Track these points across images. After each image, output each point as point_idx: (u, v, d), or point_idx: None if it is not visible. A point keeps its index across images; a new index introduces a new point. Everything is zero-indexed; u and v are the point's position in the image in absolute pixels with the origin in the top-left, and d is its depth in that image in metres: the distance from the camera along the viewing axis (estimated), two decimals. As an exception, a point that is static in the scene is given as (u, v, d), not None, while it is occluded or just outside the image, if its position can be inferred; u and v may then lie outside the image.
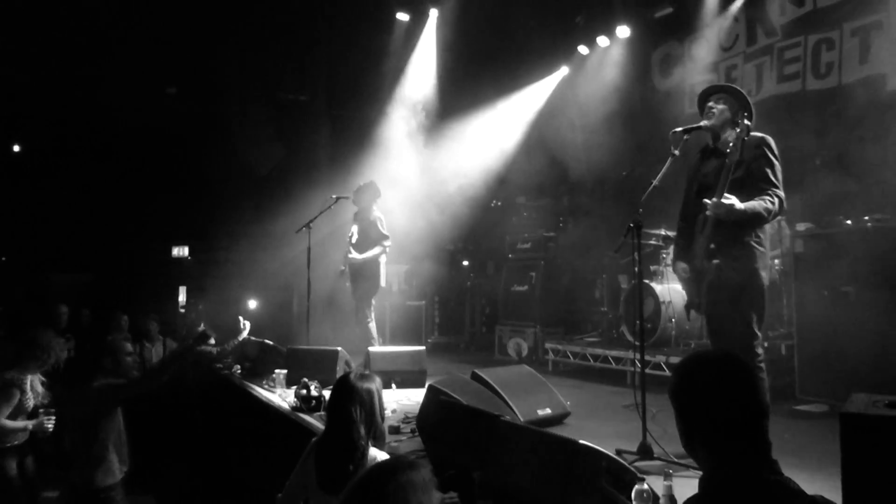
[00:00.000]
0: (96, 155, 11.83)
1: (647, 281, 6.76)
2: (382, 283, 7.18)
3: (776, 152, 3.87)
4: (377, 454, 2.85)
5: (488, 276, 10.10)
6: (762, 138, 3.89)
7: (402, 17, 10.09)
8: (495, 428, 3.16)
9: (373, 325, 7.09)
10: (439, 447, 3.58)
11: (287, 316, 9.27)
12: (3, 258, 13.21)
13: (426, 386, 4.39)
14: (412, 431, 4.44)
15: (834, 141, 6.66)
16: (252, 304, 10.12)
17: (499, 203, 10.72)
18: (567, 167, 9.68)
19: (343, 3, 10.11)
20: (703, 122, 4.06)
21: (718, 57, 8.10)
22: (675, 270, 4.34)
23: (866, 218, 5.25)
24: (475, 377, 4.84)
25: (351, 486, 1.77)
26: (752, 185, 3.79)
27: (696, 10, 8.10)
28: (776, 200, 3.74)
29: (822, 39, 6.95)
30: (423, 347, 6.94)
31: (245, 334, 7.49)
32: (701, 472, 1.69)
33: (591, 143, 9.05)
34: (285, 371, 6.12)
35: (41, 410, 4.54)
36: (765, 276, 3.85)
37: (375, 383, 3.04)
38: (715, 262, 3.78)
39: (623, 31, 8.96)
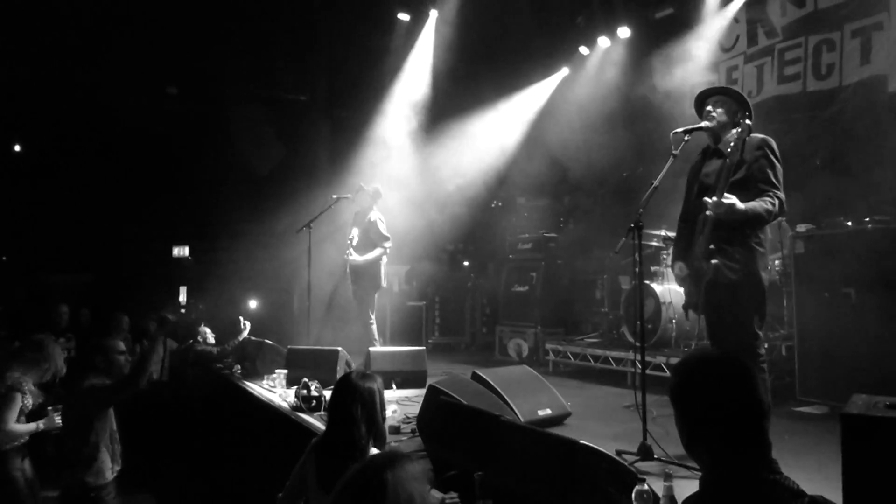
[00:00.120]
0: (97, 155, 11.81)
1: (647, 282, 6.77)
2: (384, 283, 7.18)
3: (777, 154, 3.87)
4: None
5: (489, 276, 10.10)
6: (763, 139, 3.89)
7: (403, 17, 10.09)
8: (496, 428, 3.16)
9: (373, 326, 7.09)
10: (440, 447, 3.58)
11: (287, 316, 9.27)
12: (4, 258, 13.20)
13: (427, 386, 4.39)
14: (413, 432, 4.44)
15: (834, 142, 6.66)
16: (252, 304, 10.12)
17: (499, 203, 10.72)
18: (567, 167, 9.68)
19: (343, 4, 10.11)
20: (704, 123, 4.06)
21: (719, 58, 8.10)
22: (673, 271, 4.34)
23: (867, 219, 5.25)
24: (475, 377, 4.84)
25: (346, 479, 1.77)
26: (752, 186, 3.79)
27: (697, 11, 8.10)
28: (777, 202, 3.74)
29: (822, 40, 6.95)
30: (423, 348, 6.94)
31: (245, 334, 7.51)
32: (701, 473, 1.69)
33: (592, 144, 9.04)
34: (285, 371, 6.12)
35: (49, 408, 4.53)
36: (764, 276, 3.85)
37: (377, 383, 3.04)
38: (714, 262, 3.78)
39: (623, 32, 8.97)
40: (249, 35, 10.69)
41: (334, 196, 7.34)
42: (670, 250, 6.62)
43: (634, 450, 3.76)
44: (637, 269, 4.33)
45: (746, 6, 7.74)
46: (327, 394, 4.44)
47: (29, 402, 4.53)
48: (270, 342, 7.18)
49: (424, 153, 10.05)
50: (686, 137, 4.04)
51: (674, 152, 4.01)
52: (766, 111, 7.22)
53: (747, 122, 3.83)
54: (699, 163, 4.19)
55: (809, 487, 1.57)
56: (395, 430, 4.52)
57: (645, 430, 3.81)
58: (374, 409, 2.96)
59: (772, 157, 3.85)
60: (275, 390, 5.87)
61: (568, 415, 4.92)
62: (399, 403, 5.42)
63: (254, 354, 7.02)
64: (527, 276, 8.89)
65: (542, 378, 5.23)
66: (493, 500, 2.75)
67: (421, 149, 10.02)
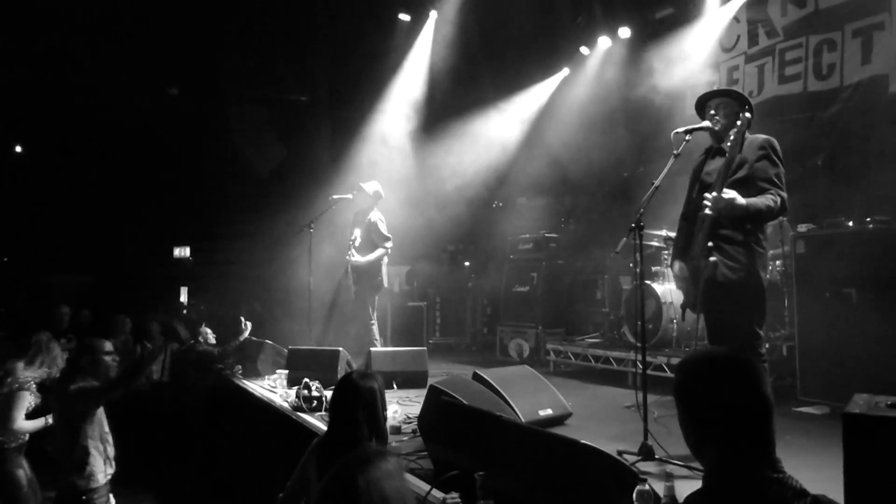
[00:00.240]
0: (98, 156, 11.83)
1: (648, 282, 6.76)
2: (385, 283, 7.18)
3: (780, 154, 3.87)
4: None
5: (489, 276, 10.09)
6: (766, 139, 3.89)
7: (404, 17, 10.10)
8: (497, 428, 3.16)
9: (374, 326, 7.09)
10: (441, 448, 3.58)
11: (288, 316, 9.26)
12: (5, 259, 13.21)
13: (427, 386, 4.39)
14: (413, 432, 4.44)
15: (835, 142, 6.66)
16: (253, 304, 10.12)
17: (500, 203, 10.73)
18: (568, 167, 9.68)
19: (344, 4, 10.11)
20: (706, 123, 4.06)
21: (719, 58, 8.10)
22: (672, 270, 4.34)
23: (868, 219, 5.24)
24: (476, 378, 4.84)
25: (322, 484, 1.78)
26: (753, 185, 3.79)
27: (697, 11, 8.10)
28: (779, 199, 3.73)
29: (823, 40, 6.95)
30: (424, 348, 6.95)
31: (246, 334, 7.51)
32: (703, 473, 1.69)
33: (592, 144, 9.04)
34: (286, 371, 6.12)
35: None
36: (764, 276, 3.85)
37: (378, 383, 3.04)
38: (712, 259, 3.78)
39: (624, 32, 8.97)
40: (250, 36, 10.71)
41: (334, 196, 7.34)
42: (671, 250, 6.62)
43: (636, 450, 3.76)
44: (638, 270, 4.33)
45: (747, 6, 7.74)
46: (328, 394, 4.45)
47: (33, 401, 4.55)
48: (271, 342, 7.18)
49: (425, 153, 10.05)
50: (687, 137, 4.04)
51: (675, 152, 4.01)
52: (767, 111, 7.21)
53: (747, 115, 3.83)
54: (701, 162, 4.19)
55: (811, 487, 1.56)
56: (397, 431, 4.52)
57: (646, 431, 3.81)
58: (375, 409, 2.96)
59: (774, 157, 3.84)
60: (276, 390, 5.87)
61: (569, 415, 4.92)
62: (400, 403, 5.43)
63: (255, 355, 7.02)
64: (527, 277, 8.88)
65: (542, 378, 5.23)
66: (494, 501, 2.75)
67: (421, 149, 10.03)
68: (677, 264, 4.19)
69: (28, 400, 4.47)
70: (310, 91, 11.61)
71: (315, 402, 5.11)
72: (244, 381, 6.64)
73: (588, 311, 8.85)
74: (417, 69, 10.20)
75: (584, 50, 9.68)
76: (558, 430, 4.43)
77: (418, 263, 10.44)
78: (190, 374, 8.12)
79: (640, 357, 4.05)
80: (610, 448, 3.07)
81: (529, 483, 2.80)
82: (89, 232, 12.30)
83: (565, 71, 10.13)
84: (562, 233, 9.46)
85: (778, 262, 6.09)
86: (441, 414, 3.73)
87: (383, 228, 7.02)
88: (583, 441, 2.72)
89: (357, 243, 6.95)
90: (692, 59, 8.08)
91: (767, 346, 5.01)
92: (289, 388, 5.73)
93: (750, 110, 3.95)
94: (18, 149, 12.68)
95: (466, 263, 11.13)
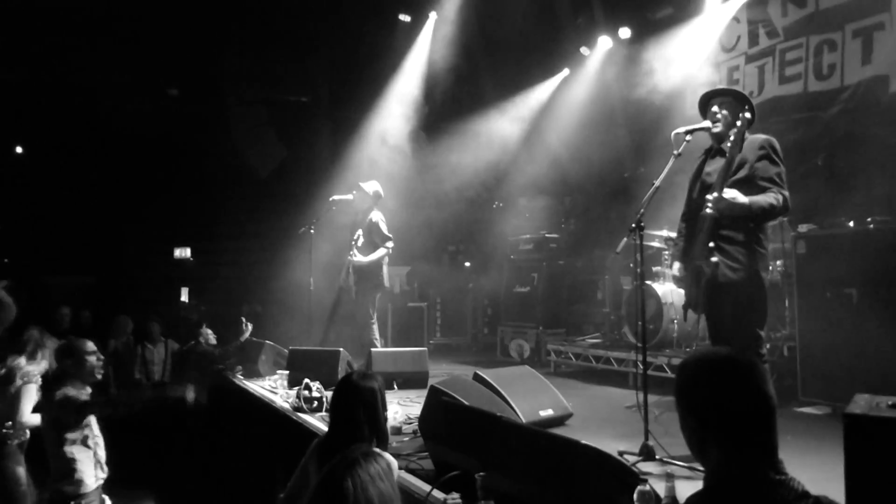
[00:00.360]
0: (98, 157, 11.83)
1: (649, 282, 6.76)
2: (386, 283, 7.18)
3: (780, 153, 3.87)
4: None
5: (490, 277, 10.10)
6: (766, 139, 3.89)
7: (404, 18, 10.10)
8: (497, 429, 3.16)
9: (375, 327, 7.08)
10: (441, 448, 3.58)
11: (289, 317, 9.26)
12: (5, 260, 13.20)
13: (428, 387, 4.39)
14: (414, 432, 4.44)
15: (835, 142, 6.66)
16: (254, 305, 10.12)
17: (500, 204, 10.72)
18: (568, 168, 9.69)
19: (344, 5, 10.11)
20: (707, 123, 4.06)
21: (720, 58, 8.10)
22: (672, 271, 4.34)
23: (868, 219, 5.24)
24: (477, 378, 4.84)
25: (315, 485, 1.79)
26: (754, 184, 3.79)
27: (697, 11, 8.10)
28: (781, 198, 3.73)
29: (823, 41, 6.94)
30: (424, 349, 6.95)
31: (247, 335, 7.51)
32: (704, 474, 1.69)
33: (593, 144, 9.04)
34: (287, 372, 6.12)
35: None
36: (765, 276, 3.85)
37: (378, 383, 3.04)
38: (713, 259, 3.78)
39: (624, 32, 8.97)
40: (250, 37, 10.71)
41: (334, 197, 7.33)
42: (671, 250, 6.62)
43: (636, 450, 3.76)
44: (638, 270, 4.33)
45: (747, 6, 7.74)
46: (329, 394, 4.44)
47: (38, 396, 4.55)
48: (272, 343, 7.18)
49: (425, 153, 10.06)
50: (687, 138, 4.04)
51: (675, 152, 4.01)
52: (768, 111, 7.21)
53: (747, 115, 3.83)
54: (701, 162, 4.19)
55: (812, 487, 1.56)
56: (398, 431, 4.52)
57: (647, 431, 3.81)
58: (375, 409, 2.96)
59: (774, 156, 3.84)
60: (277, 391, 5.87)
61: (569, 415, 4.91)
62: (401, 404, 5.43)
63: (255, 355, 7.03)
64: (528, 277, 8.89)
65: (543, 378, 5.23)
66: (494, 501, 2.75)
67: (422, 150, 10.03)
68: (678, 265, 4.19)
69: (34, 393, 4.47)
70: (310, 91, 11.61)
71: (316, 402, 5.11)
72: (245, 382, 6.64)
73: (589, 311, 8.86)
74: (417, 70, 10.21)
75: (584, 50, 9.68)
76: (559, 431, 4.43)
77: (419, 264, 10.44)
78: (190, 375, 8.14)
79: (640, 357, 4.05)
80: (611, 448, 3.07)
81: (530, 483, 2.80)
82: (90, 233, 12.29)
83: (565, 71, 10.13)
84: (562, 233, 9.46)
85: (778, 263, 6.08)
86: (442, 414, 3.73)
87: (384, 228, 7.02)
88: (583, 441, 2.72)
89: (360, 242, 6.94)
90: (692, 59, 8.08)
91: (768, 346, 5.01)
92: (289, 389, 5.73)
93: (751, 111, 3.95)
94: (19, 149, 12.67)
95: (467, 264, 11.13)
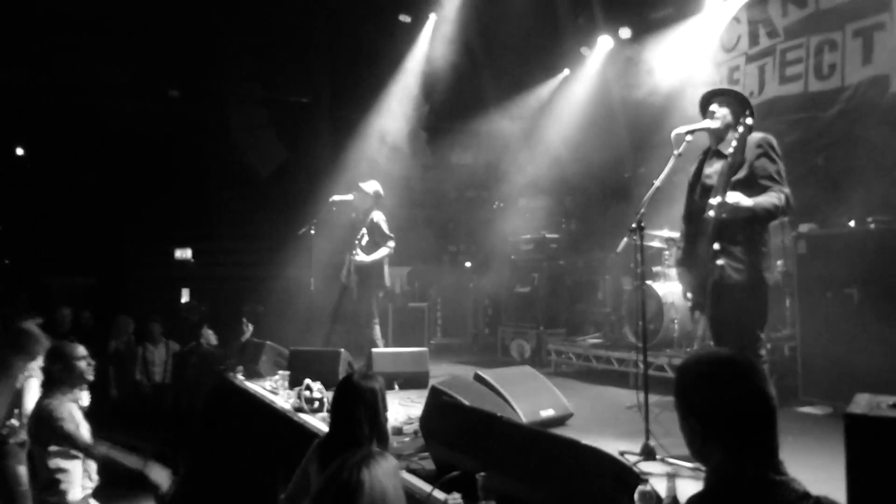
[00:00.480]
0: (99, 158, 11.84)
1: (649, 282, 6.75)
2: (387, 282, 7.18)
3: (778, 151, 3.87)
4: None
5: (490, 277, 10.10)
6: (763, 137, 3.89)
7: (404, 18, 10.10)
8: (498, 429, 3.16)
9: (377, 327, 7.08)
10: (442, 448, 3.58)
11: (289, 317, 9.27)
12: (6, 261, 13.22)
13: (429, 387, 4.39)
14: (415, 433, 4.44)
15: (836, 142, 6.65)
16: (255, 305, 10.12)
17: (501, 204, 10.73)
18: (569, 168, 9.69)
19: (345, 6, 10.12)
20: (707, 123, 4.06)
21: (720, 58, 8.10)
22: (677, 273, 4.34)
23: (869, 219, 5.24)
24: (478, 378, 4.84)
25: (324, 478, 1.80)
26: (755, 184, 3.79)
27: (698, 11, 8.10)
28: (783, 196, 3.73)
29: (824, 40, 6.94)
30: (425, 349, 6.94)
31: (248, 336, 7.51)
32: (705, 474, 1.69)
33: (593, 144, 9.04)
34: (288, 372, 6.12)
35: None
36: (768, 276, 3.85)
37: (378, 383, 3.04)
38: (718, 262, 3.78)
39: (624, 32, 8.97)
40: (251, 37, 10.72)
41: (334, 198, 7.33)
42: (672, 250, 6.62)
43: (637, 450, 3.76)
44: (639, 270, 4.33)
45: (748, 6, 7.74)
46: (330, 395, 4.45)
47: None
48: (272, 343, 7.19)
49: (425, 154, 10.07)
50: (688, 137, 4.03)
51: (676, 152, 4.01)
52: (768, 111, 7.21)
53: (749, 121, 3.83)
54: (700, 164, 4.19)
55: (813, 488, 1.56)
56: (398, 432, 4.52)
57: (647, 431, 3.81)
58: (376, 409, 2.96)
59: (772, 153, 3.84)
60: (277, 391, 5.87)
61: (570, 415, 4.91)
62: (401, 404, 5.43)
63: (256, 356, 7.02)
64: (528, 277, 8.88)
65: (544, 379, 5.23)
66: (495, 501, 2.75)
67: (422, 150, 10.04)
68: (681, 268, 4.19)
69: (36, 389, 4.46)
70: (310, 92, 11.61)
71: (316, 403, 5.11)
72: (245, 382, 6.64)
73: (589, 311, 8.85)
74: (417, 70, 10.21)
75: (584, 50, 9.68)
76: (559, 431, 4.43)
77: (419, 264, 10.44)
78: (191, 376, 8.14)
79: (641, 357, 4.05)
80: (611, 448, 3.07)
81: (531, 484, 2.80)
82: (90, 233, 12.31)
83: (565, 71, 10.13)
84: (562, 233, 9.45)
85: (779, 263, 6.08)
86: (442, 415, 3.73)
87: (385, 228, 7.02)
88: (584, 441, 2.72)
89: (364, 242, 6.93)
90: (693, 59, 8.08)
91: (769, 346, 5.01)
92: (290, 389, 5.73)
93: (751, 114, 3.95)
94: (20, 151, 12.68)
95: (467, 264, 11.13)
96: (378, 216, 7.06)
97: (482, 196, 11.32)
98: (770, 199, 3.71)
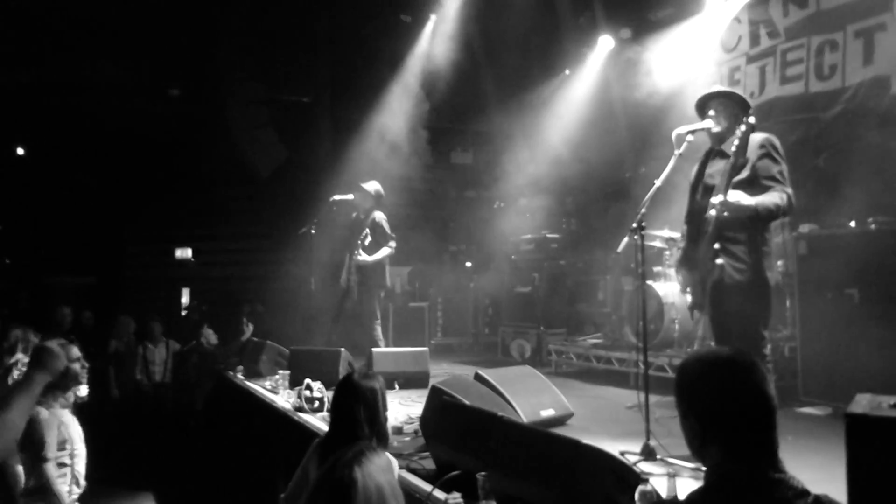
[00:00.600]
0: (99, 157, 11.85)
1: (650, 282, 6.75)
2: (388, 282, 7.18)
3: (781, 151, 3.87)
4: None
5: (491, 277, 10.11)
6: (766, 138, 3.88)
7: (405, 18, 10.10)
8: (499, 429, 3.16)
9: (378, 326, 7.09)
10: (443, 448, 3.58)
11: (290, 317, 9.28)
12: (7, 260, 13.22)
13: (429, 387, 4.39)
14: (415, 432, 4.44)
15: (837, 143, 6.65)
16: (255, 305, 10.13)
17: (501, 204, 10.73)
18: (569, 168, 9.69)
19: (346, 5, 10.12)
20: (708, 123, 4.06)
21: (721, 58, 8.09)
22: (676, 273, 4.34)
23: (870, 220, 5.24)
24: (478, 378, 4.84)
25: (318, 477, 1.80)
26: (757, 184, 3.78)
27: (698, 12, 8.10)
28: (785, 196, 3.73)
29: (825, 41, 6.94)
30: (426, 349, 6.94)
31: (248, 335, 7.51)
32: (705, 473, 1.69)
33: (594, 144, 9.05)
34: (288, 372, 6.13)
35: None
36: (770, 276, 3.85)
37: (378, 383, 3.04)
38: (718, 261, 3.77)
39: (625, 33, 8.97)
40: (252, 37, 10.71)
41: (335, 197, 7.34)
42: (673, 250, 6.62)
43: (637, 450, 3.76)
44: (639, 270, 4.33)
45: (748, 7, 7.73)
46: (330, 395, 4.45)
47: None
48: (273, 343, 7.19)
49: (426, 154, 10.06)
50: (689, 137, 4.03)
51: (676, 152, 4.01)
52: (769, 112, 7.21)
53: (751, 120, 3.82)
54: (702, 164, 4.19)
55: (813, 487, 1.56)
56: (398, 431, 4.52)
57: (648, 431, 3.81)
58: (376, 409, 2.96)
59: (775, 154, 3.84)
60: (278, 391, 5.87)
61: (570, 415, 4.91)
62: (402, 404, 5.43)
63: (256, 355, 7.03)
64: (529, 277, 8.88)
65: (544, 378, 5.23)
66: (495, 501, 2.75)
67: (423, 150, 10.04)
68: (681, 270, 4.19)
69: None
70: (311, 92, 11.61)
71: (317, 402, 5.11)
72: (246, 382, 6.64)
73: (590, 311, 8.85)
74: (418, 70, 10.21)
75: (585, 50, 9.68)
76: (560, 431, 4.43)
77: (420, 264, 10.45)
78: (191, 375, 8.14)
79: (641, 357, 4.05)
80: (612, 448, 3.06)
81: (531, 483, 2.80)
82: (91, 233, 12.32)
83: (566, 71, 10.13)
84: (563, 233, 9.46)
85: (779, 263, 6.08)
86: (443, 414, 3.73)
87: (387, 228, 7.02)
88: (585, 441, 2.72)
89: (367, 242, 6.93)
90: (693, 59, 8.08)
91: (770, 346, 5.00)
92: (290, 389, 5.74)
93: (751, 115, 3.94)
94: (20, 151, 12.69)
95: (468, 264, 11.13)
96: (379, 216, 7.06)
97: (483, 196, 11.33)
98: (772, 198, 3.71)
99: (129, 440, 7.07)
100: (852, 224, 5.38)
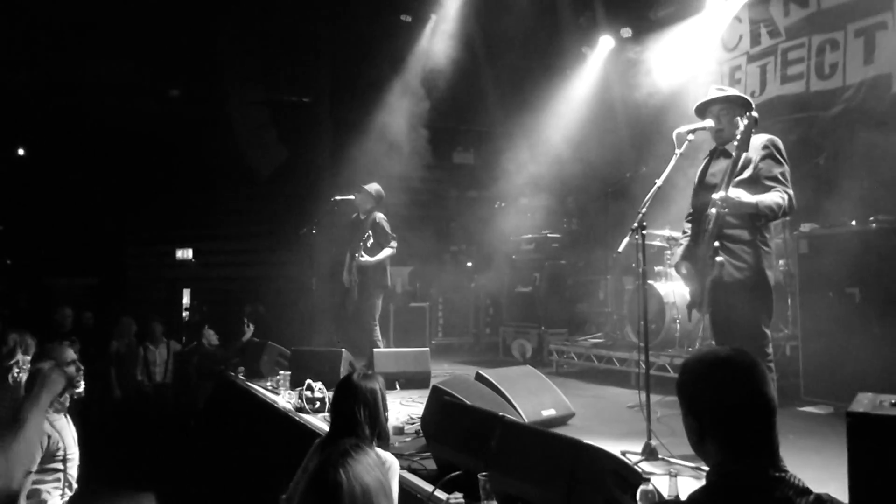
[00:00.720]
0: (100, 158, 11.86)
1: (651, 282, 6.75)
2: (389, 283, 7.18)
3: (784, 153, 3.87)
4: (381, 455, 2.85)
5: (492, 277, 10.11)
6: (769, 138, 3.88)
7: (405, 18, 10.09)
8: (500, 429, 3.16)
9: (377, 327, 7.09)
10: (444, 448, 3.58)
11: (291, 318, 9.28)
12: (8, 261, 13.23)
13: (430, 387, 4.39)
14: (416, 433, 4.44)
15: (838, 142, 6.65)
16: (256, 306, 10.13)
17: (502, 203, 10.73)
18: (570, 167, 9.68)
19: (346, 6, 10.11)
20: (708, 122, 4.05)
21: (722, 57, 8.09)
22: (677, 271, 4.33)
23: (871, 219, 5.23)
24: (479, 378, 4.84)
25: (306, 479, 1.81)
26: (759, 184, 3.78)
27: (699, 11, 8.09)
28: (786, 197, 3.73)
29: (826, 40, 6.94)
30: (427, 349, 6.95)
31: (249, 336, 7.51)
32: (707, 472, 1.69)
33: (594, 144, 9.04)
34: (289, 373, 6.13)
35: None
36: (770, 275, 3.84)
37: (379, 383, 3.04)
38: (718, 259, 3.77)
39: (626, 32, 8.97)
40: (252, 37, 10.71)
41: (336, 198, 7.34)
42: (673, 250, 6.61)
43: (639, 450, 3.76)
44: (640, 269, 4.32)
45: (749, 6, 7.73)
46: (331, 395, 4.45)
47: None
48: (274, 343, 7.19)
49: (427, 154, 10.06)
50: (689, 137, 4.02)
51: (677, 151, 4.01)
52: (769, 111, 7.20)
53: (754, 114, 3.81)
54: (706, 163, 4.18)
55: (815, 486, 1.56)
56: (400, 431, 4.52)
57: (649, 430, 3.81)
58: (376, 409, 2.96)
59: (778, 155, 3.84)
60: (279, 391, 5.87)
61: (572, 415, 4.91)
62: (403, 404, 5.43)
63: (257, 356, 7.03)
64: (530, 277, 8.88)
65: (545, 378, 5.23)
66: (497, 501, 2.75)
67: (423, 150, 10.03)
68: (683, 265, 4.19)
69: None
70: (311, 92, 11.61)
71: (318, 402, 5.12)
72: (247, 382, 6.65)
73: (591, 311, 8.86)
74: (418, 70, 10.20)
75: (585, 50, 9.68)
76: (561, 431, 4.43)
77: (421, 264, 10.44)
78: (192, 376, 8.15)
79: (642, 357, 4.05)
80: (613, 448, 3.06)
81: (533, 483, 2.80)
82: (91, 234, 12.33)
83: (567, 71, 10.13)
84: (564, 232, 9.45)
85: (780, 262, 6.07)
86: (444, 414, 3.73)
87: (388, 228, 7.03)
88: (586, 441, 2.72)
89: (370, 243, 6.94)
90: (694, 58, 8.07)
91: (772, 345, 5.00)
92: (291, 389, 5.74)
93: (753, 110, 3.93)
94: (21, 151, 12.70)
95: (469, 264, 11.13)
96: (380, 217, 7.07)
97: (483, 195, 11.31)
98: (773, 197, 3.71)
99: (131, 441, 7.08)
100: (853, 223, 5.38)
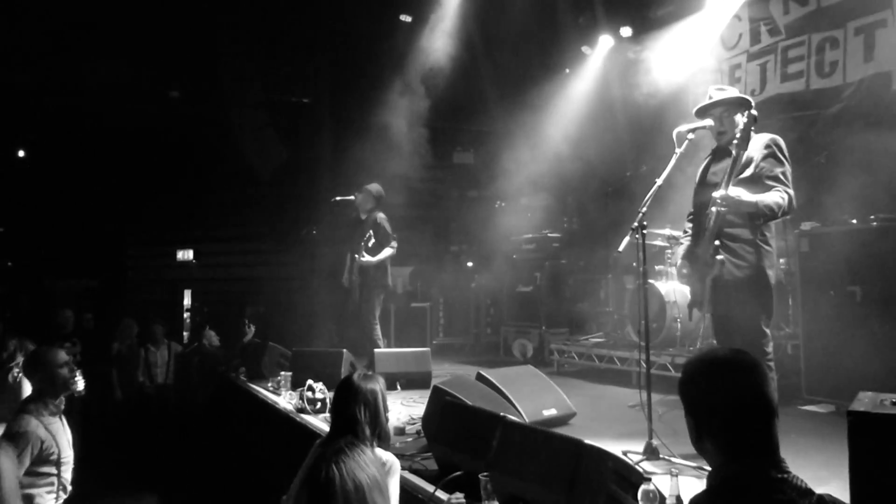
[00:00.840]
0: (100, 159, 11.86)
1: (651, 281, 6.74)
2: (389, 283, 7.18)
3: (785, 152, 3.86)
4: (382, 455, 2.85)
5: (493, 276, 10.10)
6: (771, 138, 3.88)
7: (405, 18, 10.09)
8: (501, 429, 3.16)
9: (377, 327, 7.09)
10: (445, 448, 3.58)
11: (292, 318, 9.28)
12: (8, 263, 13.24)
13: (431, 387, 4.39)
14: (417, 433, 4.44)
15: (838, 140, 6.64)
16: (257, 306, 10.13)
17: (502, 203, 10.73)
18: (570, 166, 9.68)
19: (346, 6, 10.11)
20: (708, 121, 4.04)
21: (721, 56, 8.08)
22: (678, 272, 4.33)
23: (871, 217, 5.23)
24: (480, 378, 4.84)
25: (301, 477, 1.82)
26: (760, 183, 3.77)
27: (699, 9, 8.09)
28: (786, 196, 3.72)
29: (826, 38, 6.93)
30: (427, 349, 6.95)
31: (250, 336, 7.51)
32: (708, 472, 1.69)
33: (594, 143, 9.03)
34: (290, 373, 6.13)
35: None
36: (771, 273, 3.84)
37: (379, 384, 3.04)
38: (718, 258, 3.77)
39: (625, 31, 8.97)
40: (251, 38, 10.71)
41: (336, 199, 7.34)
42: (674, 249, 6.61)
43: (640, 449, 3.76)
44: (641, 269, 4.32)
45: (749, 4, 7.72)
46: (332, 395, 4.45)
47: None
48: (275, 344, 7.20)
49: (427, 154, 10.05)
50: (690, 136, 4.02)
51: (677, 151, 4.00)
52: (769, 109, 7.19)
53: (753, 112, 3.80)
54: (708, 162, 4.18)
55: (816, 485, 1.56)
56: (401, 432, 4.52)
57: (650, 430, 3.80)
58: (377, 409, 2.95)
59: (779, 154, 3.84)
60: (280, 392, 5.87)
61: (573, 415, 4.91)
62: (404, 404, 5.43)
63: (258, 356, 7.03)
64: (530, 276, 8.88)
65: (546, 378, 5.23)
66: (498, 501, 2.75)
67: (423, 149, 10.02)
68: (683, 263, 4.18)
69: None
70: (311, 92, 11.61)
71: (319, 403, 5.12)
72: (248, 383, 6.65)
73: (591, 310, 8.85)
74: (418, 70, 10.19)
75: (585, 49, 9.67)
76: (562, 430, 4.42)
77: (421, 264, 10.44)
78: (194, 376, 8.15)
79: (643, 356, 4.04)
80: (614, 448, 3.06)
81: (534, 483, 2.80)
82: (92, 235, 12.33)
83: (567, 71, 10.12)
84: (564, 232, 9.46)
85: (782, 261, 6.07)
86: (445, 415, 3.73)
87: (388, 228, 7.04)
88: (587, 441, 2.72)
89: (371, 243, 6.94)
90: (694, 57, 8.07)
91: (772, 344, 5.00)
92: (292, 390, 5.74)
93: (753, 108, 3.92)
94: (21, 153, 12.70)
95: (469, 264, 11.13)
96: (381, 217, 7.08)
97: (484, 195, 11.31)
98: (773, 197, 3.70)
99: (132, 442, 7.09)
100: (854, 221, 5.37)
